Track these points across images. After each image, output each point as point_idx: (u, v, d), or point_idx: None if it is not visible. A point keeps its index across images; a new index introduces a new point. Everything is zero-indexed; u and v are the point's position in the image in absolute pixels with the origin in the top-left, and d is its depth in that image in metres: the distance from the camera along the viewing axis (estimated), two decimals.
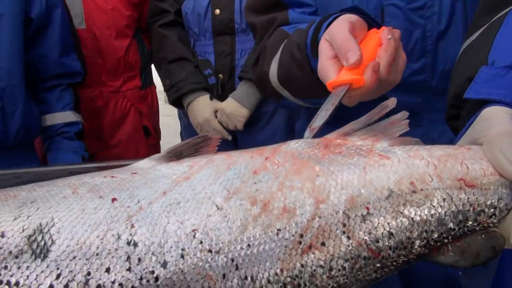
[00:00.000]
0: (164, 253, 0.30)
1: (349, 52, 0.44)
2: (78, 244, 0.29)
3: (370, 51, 0.47)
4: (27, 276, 0.28)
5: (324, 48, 0.49)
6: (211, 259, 0.30)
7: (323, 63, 0.48)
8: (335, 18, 0.51)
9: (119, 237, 0.30)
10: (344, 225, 0.32)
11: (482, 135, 0.33)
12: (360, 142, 0.37)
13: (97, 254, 0.29)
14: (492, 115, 0.33)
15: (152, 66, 1.45)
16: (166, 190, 0.34)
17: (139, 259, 0.29)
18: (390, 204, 0.32)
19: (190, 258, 0.30)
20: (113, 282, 0.28)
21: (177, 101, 1.28)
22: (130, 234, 0.30)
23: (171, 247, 0.30)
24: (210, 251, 0.30)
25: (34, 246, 0.29)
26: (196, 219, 0.31)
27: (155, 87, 1.52)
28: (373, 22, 0.53)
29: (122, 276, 0.28)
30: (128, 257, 0.29)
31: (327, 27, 0.51)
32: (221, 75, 1.23)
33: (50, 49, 1.05)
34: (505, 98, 0.34)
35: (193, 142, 0.41)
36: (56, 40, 1.05)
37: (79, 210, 0.32)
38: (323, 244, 0.31)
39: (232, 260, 0.30)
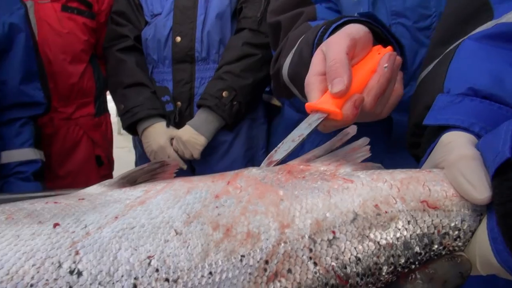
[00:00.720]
0: (113, 283, 0.26)
1: (336, 79, 0.42)
2: (9, 274, 0.25)
3: (363, 74, 0.45)
4: None
5: (316, 61, 0.46)
6: None
7: (311, 78, 0.45)
8: (345, 23, 0.48)
9: (60, 266, 0.26)
10: (311, 250, 0.30)
11: (443, 160, 0.33)
12: (323, 168, 0.37)
13: (31, 285, 0.25)
14: (451, 140, 0.35)
15: (108, 93, 1.40)
16: (118, 214, 0.30)
17: None
18: (356, 227, 0.31)
19: None
20: None
21: (131, 126, 1.23)
22: (74, 262, 0.26)
23: (122, 276, 0.26)
24: (167, 279, 0.27)
25: None
26: (152, 245, 0.28)
27: (109, 115, 1.46)
28: (387, 33, 0.51)
29: None
30: None
31: (335, 30, 0.48)
32: (179, 103, 1.21)
33: (9, 75, 0.97)
34: (462, 124, 0.35)
35: (149, 168, 0.38)
36: (17, 66, 0.98)
37: (13, 237, 0.27)
38: (289, 271, 0.29)
39: None
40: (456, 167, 0.31)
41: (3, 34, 0.94)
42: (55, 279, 0.25)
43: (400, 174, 0.34)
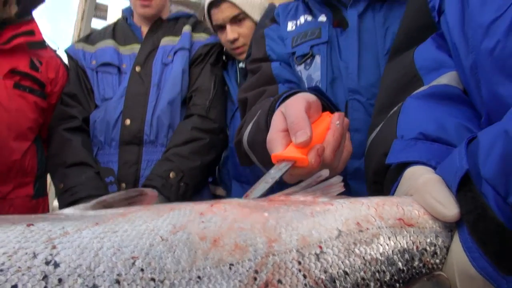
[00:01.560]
0: (94, 277, 0.23)
1: (300, 131, 0.45)
2: None
3: (319, 132, 0.49)
4: None
5: (277, 120, 0.50)
6: (154, 287, 0.24)
7: (273, 134, 0.48)
8: (296, 93, 0.53)
9: (34, 256, 0.23)
10: (300, 263, 0.29)
11: (410, 187, 0.36)
12: (302, 198, 0.38)
13: (1, 270, 0.21)
14: (414, 171, 0.38)
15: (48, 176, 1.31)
16: (98, 222, 0.28)
17: (60, 280, 0.22)
18: (341, 243, 0.31)
19: (128, 284, 0.24)
20: None
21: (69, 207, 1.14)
22: (51, 254, 0.24)
23: (103, 272, 0.24)
24: (153, 279, 0.25)
25: None
26: (137, 247, 0.26)
27: (48, 199, 1.35)
28: (331, 105, 0.57)
29: None
30: (45, 276, 0.22)
31: (285, 98, 0.53)
32: (123, 184, 1.17)
33: None
34: (421, 159, 0.39)
35: (127, 195, 0.37)
36: None
37: None
38: (280, 281, 0.28)
39: None
40: (424, 189, 0.34)
41: None
42: (29, 267, 0.22)
43: (375, 198, 0.36)
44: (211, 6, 1.29)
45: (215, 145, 1.26)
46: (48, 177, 1.33)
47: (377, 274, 0.30)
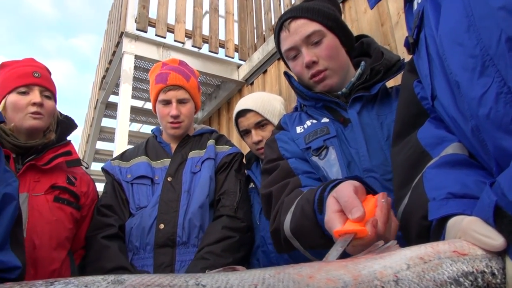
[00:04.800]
0: None
1: (354, 208, 0.55)
2: (150, 282, 0.30)
3: (369, 210, 0.58)
4: None
5: (331, 203, 0.60)
6: None
7: (330, 215, 0.58)
8: (340, 182, 0.63)
9: (187, 283, 0.31)
10: (383, 287, 0.36)
11: (457, 232, 0.44)
12: (368, 256, 0.45)
13: (170, 286, 0.29)
14: (456, 219, 0.46)
15: None
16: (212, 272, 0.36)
17: None
18: (412, 272, 0.38)
19: None
20: None
21: None
22: (197, 280, 0.31)
23: None
24: None
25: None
26: (253, 280, 0.34)
27: None
28: (370, 189, 0.67)
29: None
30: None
31: (333, 187, 0.64)
32: None
33: None
34: (458, 211, 0.47)
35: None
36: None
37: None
38: None
39: None
40: (469, 228, 0.42)
41: None
42: (187, 286, 0.30)
43: (428, 243, 0.43)
44: (238, 115, 1.52)
45: (244, 243, 1.35)
46: None
47: None
